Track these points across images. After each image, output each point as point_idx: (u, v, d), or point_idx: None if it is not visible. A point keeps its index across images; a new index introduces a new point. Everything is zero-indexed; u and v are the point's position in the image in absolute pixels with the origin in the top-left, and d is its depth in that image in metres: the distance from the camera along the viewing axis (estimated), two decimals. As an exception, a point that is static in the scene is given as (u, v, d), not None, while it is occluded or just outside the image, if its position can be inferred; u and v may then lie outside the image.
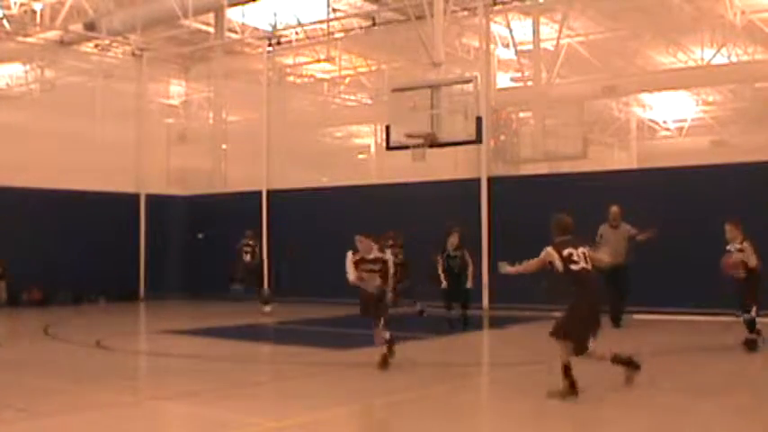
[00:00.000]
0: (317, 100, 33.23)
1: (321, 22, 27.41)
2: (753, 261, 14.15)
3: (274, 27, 28.45)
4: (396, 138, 19.62)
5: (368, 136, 35.28)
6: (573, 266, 10.43)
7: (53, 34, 27.82)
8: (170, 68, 31.25)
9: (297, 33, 28.90)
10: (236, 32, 29.30)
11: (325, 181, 29.54)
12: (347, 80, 32.45)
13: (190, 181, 30.05)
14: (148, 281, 28.90)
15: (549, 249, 10.51)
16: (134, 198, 28.97)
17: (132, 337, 19.71)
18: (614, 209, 18.33)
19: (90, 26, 26.91)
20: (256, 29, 29.29)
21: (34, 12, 27.07)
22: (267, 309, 23.25)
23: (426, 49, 21.08)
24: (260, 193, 27.86)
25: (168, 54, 30.14)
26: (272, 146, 28.52)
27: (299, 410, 10.01)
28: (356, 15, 27.61)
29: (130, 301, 27.58)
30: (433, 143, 19.06)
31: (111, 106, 28.42)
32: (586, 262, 10.56)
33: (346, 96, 34.05)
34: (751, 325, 14.34)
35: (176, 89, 32.28)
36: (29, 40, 27.78)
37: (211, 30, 28.84)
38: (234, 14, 28.41)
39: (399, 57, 29.27)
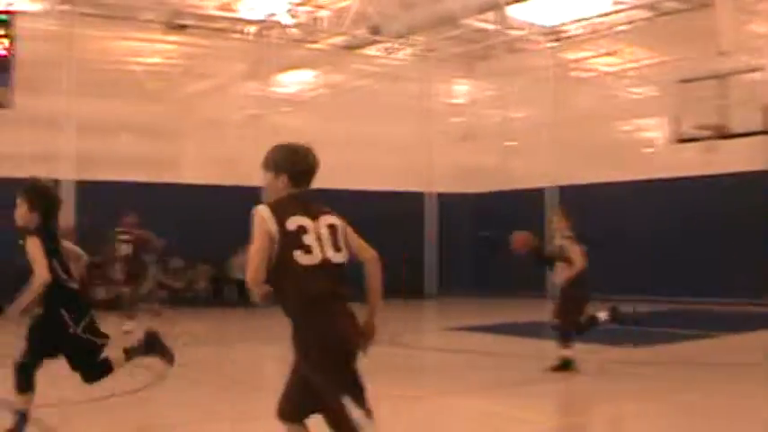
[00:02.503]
0: (602, 94, 32.59)
1: (604, 15, 26.91)
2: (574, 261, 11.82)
3: (556, 23, 28.15)
4: (684, 130, 18.98)
5: (655, 129, 34.30)
6: (299, 257, 5.37)
7: (339, 40, 28.64)
8: (454, 68, 31.48)
9: (580, 28, 28.48)
10: (518, 29, 29.14)
11: (613, 176, 28.91)
12: (632, 73, 31.68)
13: (476, 179, 30.20)
14: (437, 278, 29.23)
15: (261, 210, 5.59)
16: (421, 197, 29.38)
17: (422, 334, 19.94)
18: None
19: (374, 30, 27.47)
20: (538, 25, 29.04)
21: (321, 18, 27.91)
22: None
23: (713, 37, 20.25)
24: (547, 189, 27.66)
25: (452, 54, 30.36)
26: (557, 141, 28.25)
27: (578, 409, 9.79)
28: (639, 7, 26.90)
29: (419, 299, 27.93)
30: (724, 135, 18.28)
31: (398, 107, 28.94)
32: (336, 248, 5.56)
33: (631, 90, 33.24)
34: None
35: (461, 88, 32.46)
36: (316, 46, 28.72)
37: (493, 28, 28.82)
38: (515, 12, 28.27)
39: (684, 47, 28.26)
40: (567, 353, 11.87)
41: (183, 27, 26.21)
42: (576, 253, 11.92)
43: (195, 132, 27.25)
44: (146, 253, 18.37)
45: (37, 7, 25.30)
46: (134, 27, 25.87)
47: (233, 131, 26.78)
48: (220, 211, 24.58)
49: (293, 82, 29.31)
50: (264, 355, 16.54)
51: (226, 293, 25.59)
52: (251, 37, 27.50)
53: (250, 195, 26.52)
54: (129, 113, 25.21)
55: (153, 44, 26.72)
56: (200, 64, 27.41)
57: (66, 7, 24.68)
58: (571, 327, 11.84)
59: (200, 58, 27.36)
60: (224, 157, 26.70)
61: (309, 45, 28.67)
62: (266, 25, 27.12)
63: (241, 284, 25.01)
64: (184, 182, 25.40)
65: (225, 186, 25.51)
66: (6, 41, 22.78)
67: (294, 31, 28.19)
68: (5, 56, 22.78)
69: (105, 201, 22.36)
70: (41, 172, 23.55)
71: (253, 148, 26.43)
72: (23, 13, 23.74)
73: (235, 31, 27.72)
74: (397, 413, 9.77)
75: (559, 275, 12.18)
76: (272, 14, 26.89)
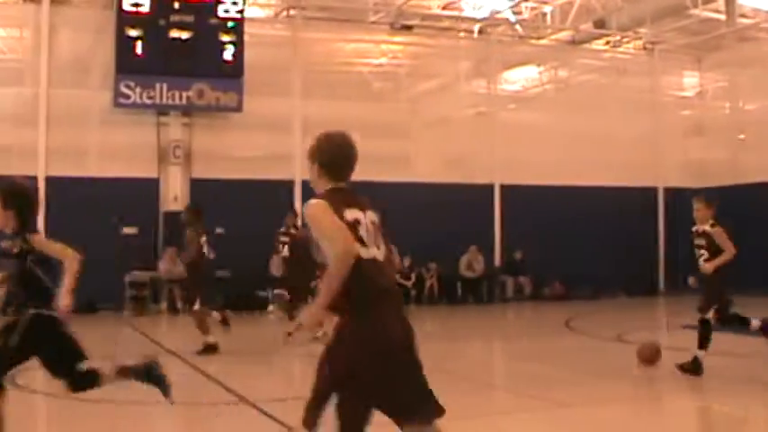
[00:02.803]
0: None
1: None
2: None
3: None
4: None
5: None
6: (358, 248, 5.14)
7: (564, 34, 28.44)
8: (682, 60, 30.72)
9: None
10: (748, 18, 28.17)
11: None
12: None
13: (706, 173, 29.42)
14: (667, 275, 28.67)
15: (317, 202, 5.29)
16: (651, 192, 28.92)
17: (653, 332, 19.56)
18: None
19: (600, 23, 27.19)
20: (769, 12, 28.03)
21: (545, 14, 27.81)
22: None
23: None
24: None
25: (679, 45, 29.64)
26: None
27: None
28: None
29: (649, 295, 27.48)
30: None
31: (625, 101, 28.53)
32: (377, 245, 5.31)
33: None
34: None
35: (690, 80, 31.66)
36: (541, 42, 28.62)
37: (722, 17, 27.98)
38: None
39: None
40: (698, 353, 11.59)
41: (408, 27, 26.57)
42: (727, 240, 11.68)
43: (423, 131, 27.58)
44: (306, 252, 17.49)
45: (264, 13, 26.18)
46: (360, 29, 26.37)
47: (460, 129, 26.98)
48: (449, 208, 24.83)
49: (519, 78, 29.30)
50: (492, 350, 16.67)
51: (452, 290, 25.80)
52: (476, 35, 27.65)
53: (479, 193, 26.76)
54: (356, 114, 25.67)
55: (379, 45, 27.20)
56: (425, 63, 27.73)
57: (292, 12, 25.42)
58: (717, 320, 11.67)
59: (425, 57, 27.68)
60: (452, 154, 26.95)
61: (534, 41, 28.59)
62: (491, 23, 27.22)
63: (468, 282, 25.21)
64: (412, 180, 25.74)
65: (453, 184, 25.74)
66: (235, 47, 23.67)
67: (518, 27, 28.17)
68: (235, 62, 23.66)
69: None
70: (272, 173, 24.54)
71: (480, 146, 26.70)
72: (251, 19, 24.58)
73: (460, 30, 27.93)
74: (631, 413, 9.67)
75: (704, 264, 11.92)
76: (497, 12, 26.95)
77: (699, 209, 11.96)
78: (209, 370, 12.16)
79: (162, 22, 22.95)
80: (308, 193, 22.01)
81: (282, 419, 8.70)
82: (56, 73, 23.20)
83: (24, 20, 23.59)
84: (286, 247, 16.83)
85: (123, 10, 22.68)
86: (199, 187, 23.86)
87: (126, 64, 22.88)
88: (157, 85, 23.19)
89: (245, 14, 23.93)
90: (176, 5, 23.10)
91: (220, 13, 23.46)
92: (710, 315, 11.64)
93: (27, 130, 22.82)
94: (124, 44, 22.80)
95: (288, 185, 24.60)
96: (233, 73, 23.63)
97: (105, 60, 23.30)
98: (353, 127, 23.55)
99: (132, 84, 22.99)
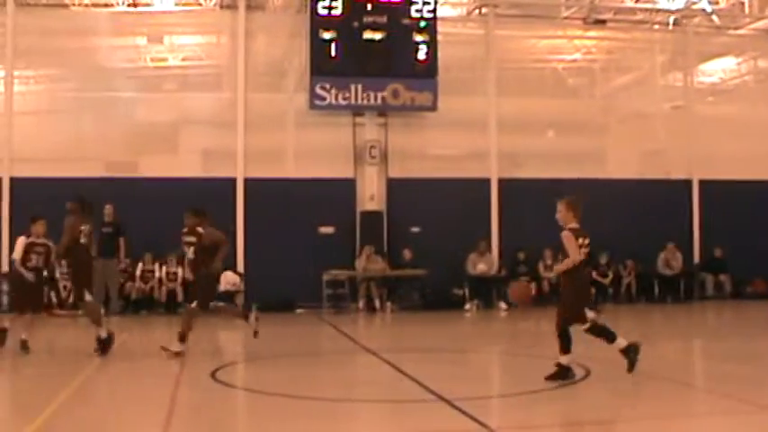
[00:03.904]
0: None
1: None
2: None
3: None
4: None
5: None
6: None
7: (763, 23, 27.53)
8: None
9: None
10: None
11: None
12: None
13: None
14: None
15: None
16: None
17: None
18: None
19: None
20: None
21: (742, 3, 27.01)
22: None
23: None
24: None
25: None
26: None
27: None
28: None
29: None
30: None
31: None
32: None
33: None
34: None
35: None
36: (739, 32, 27.76)
37: None
38: None
39: None
40: (562, 359, 10.87)
41: (601, 21, 26.20)
42: (572, 247, 10.89)
43: (618, 126, 27.16)
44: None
45: (456, 12, 26.24)
46: (553, 25, 26.23)
47: (656, 124, 26.51)
48: (646, 205, 24.39)
49: (716, 70, 28.52)
50: (692, 350, 16.27)
51: (649, 288, 25.22)
52: (671, 27, 27.02)
53: (676, 188, 25.98)
54: (550, 111, 25.52)
55: (572, 40, 26.92)
56: (620, 57, 27.38)
57: (484, 10, 25.38)
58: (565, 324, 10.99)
59: (619, 51, 27.32)
60: (648, 150, 26.47)
61: (732, 31, 27.75)
62: (686, 14, 26.56)
63: (665, 280, 24.64)
64: (608, 177, 25.36)
65: (650, 180, 25.26)
66: (428, 47, 23.78)
67: (715, 18, 27.40)
68: (429, 61, 23.78)
69: (527, 197, 22.76)
70: (468, 171, 24.58)
71: (677, 141, 26.09)
72: (443, 18, 24.66)
73: (654, 22, 27.35)
74: (744, 425, 9.24)
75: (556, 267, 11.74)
76: (692, 2, 26.32)
77: (559, 210, 11.20)
78: (406, 368, 12.25)
79: (355, 24, 23.32)
80: (503, 189, 22.03)
81: (480, 418, 8.68)
82: (252, 77, 23.87)
83: (221, 26, 24.40)
84: (192, 248, 14.40)
85: (317, 13, 23.16)
86: (395, 186, 24.13)
87: (321, 66, 23.33)
88: (352, 87, 23.55)
89: (438, 14, 24.04)
90: (369, 7, 23.43)
91: (413, 14, 23.66)
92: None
93: (226, 133, 23.58)
94: (318, 47, 23.27)
95: (484, 183, 24.60)
96: (427, 72, 23.78)
97: (300, 63, 23.87)
98: (548, 124, 23.56)
99: (327, 85, 23.41)
